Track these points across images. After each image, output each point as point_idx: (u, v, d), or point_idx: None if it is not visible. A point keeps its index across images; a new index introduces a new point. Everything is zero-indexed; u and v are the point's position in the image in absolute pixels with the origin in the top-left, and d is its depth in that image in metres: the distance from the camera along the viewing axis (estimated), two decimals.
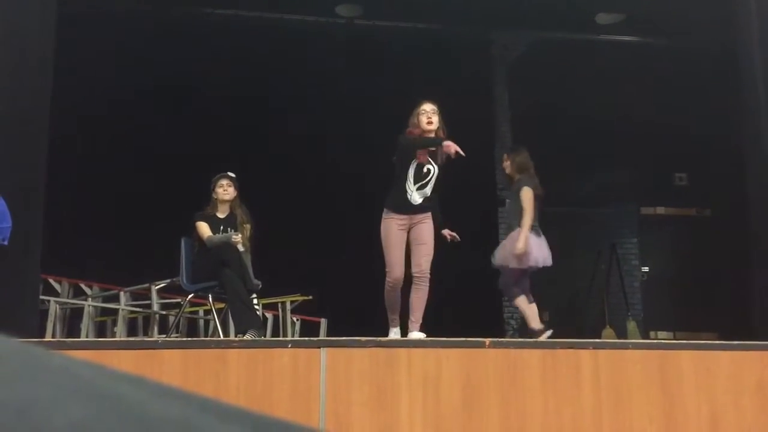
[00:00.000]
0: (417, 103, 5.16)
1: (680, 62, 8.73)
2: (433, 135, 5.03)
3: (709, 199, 9.39)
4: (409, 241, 5.04)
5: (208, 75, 8.44)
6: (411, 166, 4.99)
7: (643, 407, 3.84)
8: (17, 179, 5.31)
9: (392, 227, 4.99)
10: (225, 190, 5.71)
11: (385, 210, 5.07)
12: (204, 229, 5.62)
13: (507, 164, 6.12)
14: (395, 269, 4.95)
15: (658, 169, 9.44)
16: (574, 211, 9.44)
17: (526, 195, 5.79)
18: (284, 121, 8.74)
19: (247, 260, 5.61)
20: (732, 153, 7.12)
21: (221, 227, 5.67)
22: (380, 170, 8.73)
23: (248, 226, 5.76)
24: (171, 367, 3.56)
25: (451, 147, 4.82)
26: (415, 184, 5.00)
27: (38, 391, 0.35)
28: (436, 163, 5.05)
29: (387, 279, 5.00)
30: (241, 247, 5.56)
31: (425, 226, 5.04)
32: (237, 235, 5.54)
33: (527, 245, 5.72)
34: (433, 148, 5.02)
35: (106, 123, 8.30)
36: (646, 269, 9.59)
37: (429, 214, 5.07)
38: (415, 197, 5.00)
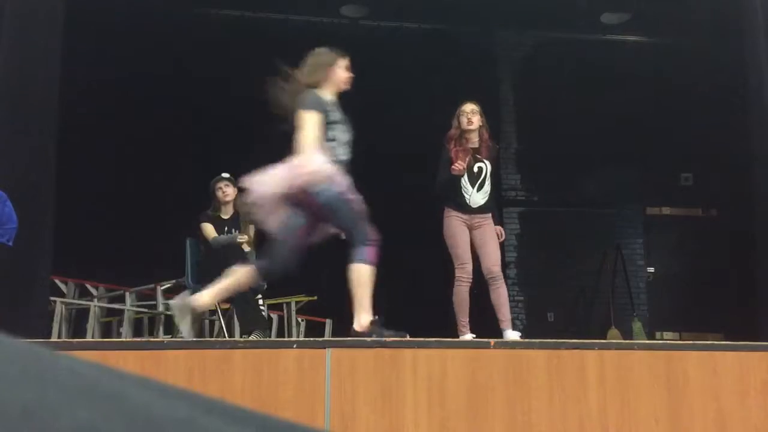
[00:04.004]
0: (459, 104, 5.19)
1: (686, 61, 8.71)
2: (475, 135, 5.08)
3: (715, 200, 9.37)
4: (473, 243, 5.02)
5: (212, 75, 8.45)
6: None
7: (649, 408, 3.83)
8: (26, 181, 5.32)
9: (455, 223, 4.99)
10: (224, 192, 5.73)
11: (446, 209, 5.07)
12: (209, 230, 5.64)
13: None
14: (467, 264, 4.93)
15: (663, 169, 9.42)
16: (580, 211, 9.43)
17: None
18: (286, 121, 8.74)
19: (252, 261, 5.61)
20: (738, 153, 7.10)
21: (226, 228, 5.69)
22: (382, 169, 8.74)
23: (253, 226, 5.77)
24: (176, 367, 3.56)
25: None
26: (472, 186, 5.03)
27: (44, 392, 0.35)
28: (486, 159, 5.08)
29: (458, 275, 4.94)
30: (246, 248, 5.57)
31: (487, 228, 5.04)
32: (243, 236, 5.56)
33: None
34: (473, 147, 5.05)
35: (113, 123, 8.32)
36: (651, 270, 9.57)
37: (489, 214, 5.10)
38: (476, 199, 5.03)
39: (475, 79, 9.10)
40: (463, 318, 5.01)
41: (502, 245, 5.23)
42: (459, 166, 4.89)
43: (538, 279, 9.19)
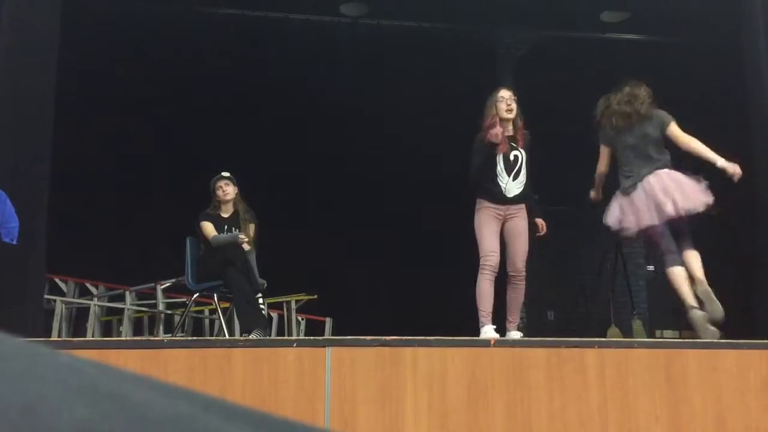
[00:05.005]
0: (494, 90, 5.07)
1: (686, 60, 8.71)
2: (511, 123, 4.97)
3: (715, 200, 9.36)
4: (504, 235, 4.88)
5: (212, 74, 8.45)
6: (498, 159, 4.85)
7: (649, 406, 3.84)
8: (23, 179, 5.33)
9: (487, 215, 4.83)
10: (224, 191, 5.73)
11: (478, 201, 4.92)
12: (209, 229, 5.64)
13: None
14: (492, 256, 4.75)
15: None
16: (580, 210, 9.43)
17: None
18: (287, 120, 8.75)
19: (252, 260, 5.62)
20: (738, 153, 7.10)
21: (225, 227, 5.69)
22: (383, 170, 8.73)
23: (252, 225, 5.77)
24: (176, 366, 3.56)
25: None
26: (508, 175, 4.88)
27: (44, 391, 0.35)
28: (521, 148, 4.95)
29: (483, 266, 4.76)
30: (246, 246, 5.57)
31: (519, 220, 4.90)
32: (243, 235, 5.56)
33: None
34: (509, 135, 4.93)
35: (112, 123, 8.32)
36: (651, 268, 9.57)
37: (523, 205, 4.95)
38: (511, 188, 4.87)
39: (475, 78, 9.09)
40: (484, 309, 4.81)
41: (536, 239, 5.09)
42: (497, 131, 4.73)
43: (539, 278, 9.19)
